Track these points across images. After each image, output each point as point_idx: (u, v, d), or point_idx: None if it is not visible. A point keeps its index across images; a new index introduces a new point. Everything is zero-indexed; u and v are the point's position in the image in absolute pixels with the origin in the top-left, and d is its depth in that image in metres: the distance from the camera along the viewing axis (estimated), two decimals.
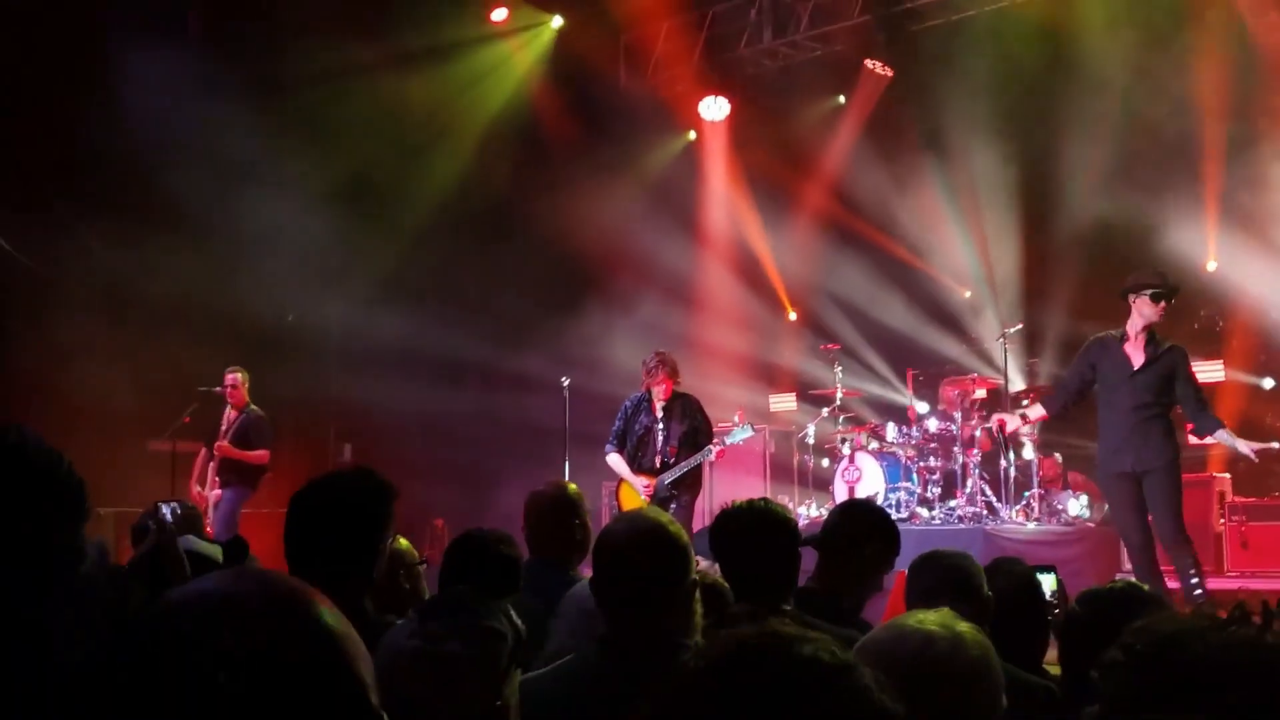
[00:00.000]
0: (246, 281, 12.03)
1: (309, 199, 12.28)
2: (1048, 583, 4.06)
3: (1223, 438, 7.72)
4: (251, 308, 12.02)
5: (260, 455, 10.61)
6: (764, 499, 3.78)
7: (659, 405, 8.94)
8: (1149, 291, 7.59)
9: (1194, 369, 7.87)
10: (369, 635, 2.67)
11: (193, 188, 11.53)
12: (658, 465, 8.91)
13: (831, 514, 4.48)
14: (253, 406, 10.75)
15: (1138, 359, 7.64)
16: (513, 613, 2.72)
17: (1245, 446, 7.68)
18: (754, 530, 3.59)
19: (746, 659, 1.20)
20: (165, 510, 5.14)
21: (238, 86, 11.73)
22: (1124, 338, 7.71)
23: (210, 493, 10.50)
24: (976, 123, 13.17)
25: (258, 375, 10.98)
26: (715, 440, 8.97)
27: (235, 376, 10.73)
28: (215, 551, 3.48)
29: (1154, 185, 12.46)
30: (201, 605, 1.20)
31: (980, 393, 11.80)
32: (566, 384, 10.35)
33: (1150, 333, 7.67)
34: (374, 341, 12.97)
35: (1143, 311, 7.62)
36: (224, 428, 10.66)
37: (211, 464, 10.63)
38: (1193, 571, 7.38)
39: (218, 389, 10.71)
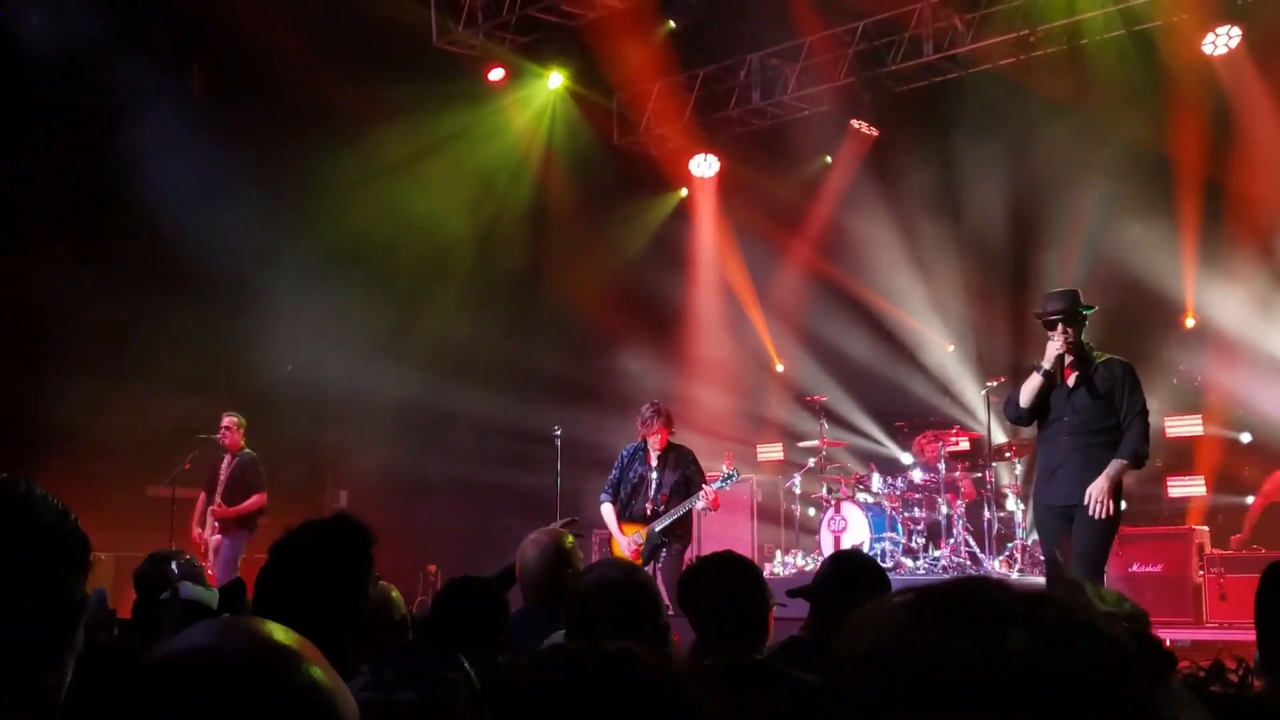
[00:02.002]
0: (246, 331, 12.25)
1: (309, 255, 12.54)
2: None
3: (1111, 468, 6.83)
4: (251, 357, 12.24)
5: (255, 502, 10.79)
6: (729, 551, 3.76)
7: (654, 455, 9.12)
8: (1041, 320, 7.14)
9: (1143, 389, 7.12)
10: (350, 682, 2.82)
11: (195, 241, 11.76)
12: (649, 513, 9.06)
13: (823, 563, 4.51)
14: (246, 450, 10.93)
15: (1071, 381, 7.06)
16: (465, 664, 2.84)
17: (1104, 488, 6.75)
18: (720, 583, 3.55)
19: (574, 670, 1.15)
20: (173, 566, 5.30)
21: (240, 145, 12.00)
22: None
23: (210, 538, 10.69)
24: (959, 181, 13.47)
25: (256, 423, 11.17)
26: (704, 490, 9.12)
27: (231, 420, 10.92)
28: (211, 597, 3.55)
29: (1133, 243, 12.74)
30: (188, 662, 1.18)
31: (963, 444, 12.01)
32: (559, 434, 10.53)
33: (1080, 351, 7.04)
34: (370, 389, 13.16)
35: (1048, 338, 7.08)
36: (221, 476, 10.85)
37: (211, 509, 10.81)
38: None
39: (216, 436, 10.90)
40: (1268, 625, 2.61)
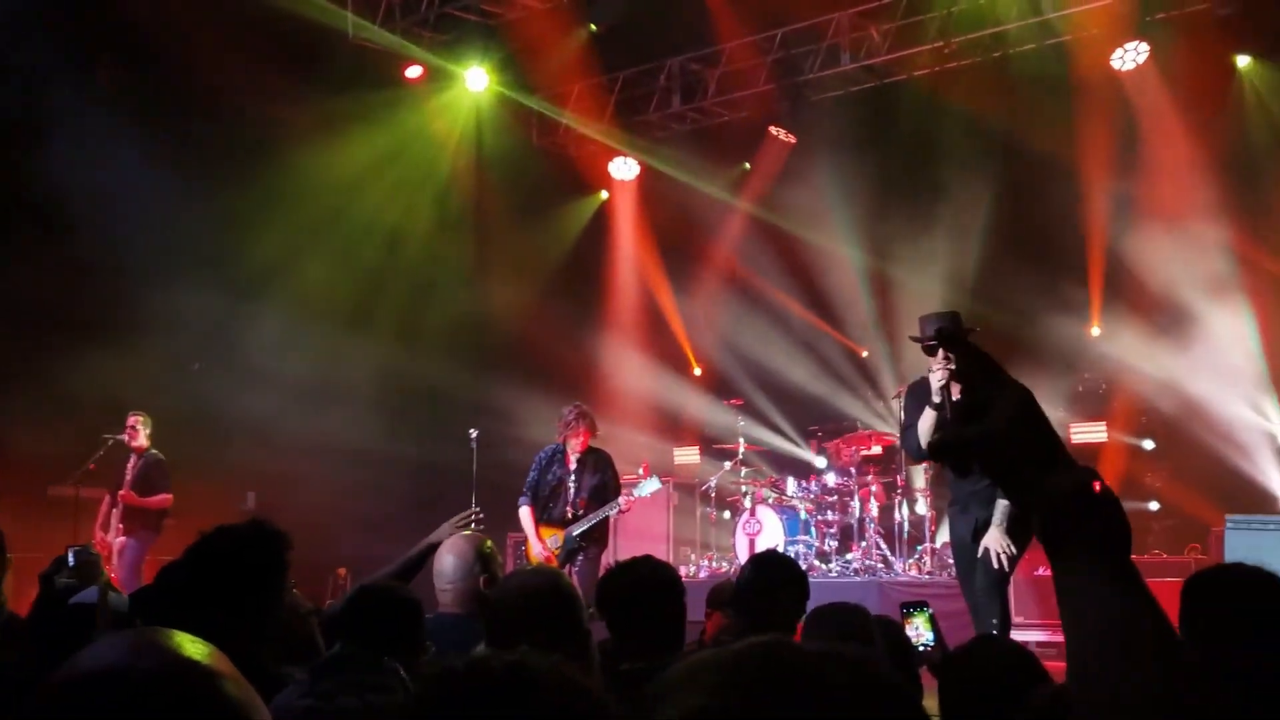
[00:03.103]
0: (153, 329, 12.02)
1: (217, 251, 12.36)
2: (919, 622, 4.06)
3: (998, 515, 6.54)
4: (158, 356, 12.01)
5: (162, 500, 10.64)
6: (647, 556, 3.77)
7: (573, 458, 9.10)
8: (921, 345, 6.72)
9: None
10: (267, 689, 2.79)
11: (98, 234, 11.53)
12: (568, 517, 9.04)
13: (744, 567, 4.54)
14: (152, 450, 10.76)
15: (947, 409, 6.50)
16: (402, 671, 2.83)
17: (998, 539, 6.51)
18: (639, 589, 3.57)
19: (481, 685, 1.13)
20: (69, 556, 5.18)
21: (147, 137, 11.77)
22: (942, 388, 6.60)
23: (115, 540, 10.48)
24: (874, 189, 13.64)
25: (163, 421, 10.97)
26: (624, 493, 9.14)
27: (136, 419, 10.74)
28: (123, 602, 3.46)
29: (1041, 252, 12.99)
30: (101, 683, 1.14)
31: (876, 449, 12.16)
32: (475, 436, 10.49)
33: (966, 377, 6.35)
34: (279, 390, 12.96)
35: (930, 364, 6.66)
36: (126, 476, 10.66)
37: (115, 511, 10.60)
38: (995, 621, 6.54)
39: (121, 436, 10.70)
40: (1191, 636, 2.68)
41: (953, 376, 6.45)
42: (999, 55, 12.66)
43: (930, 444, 1.33)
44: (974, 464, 1.30)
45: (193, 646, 1.20)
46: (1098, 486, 1.24)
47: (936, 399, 6.52)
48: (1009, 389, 1.31)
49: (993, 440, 1.28)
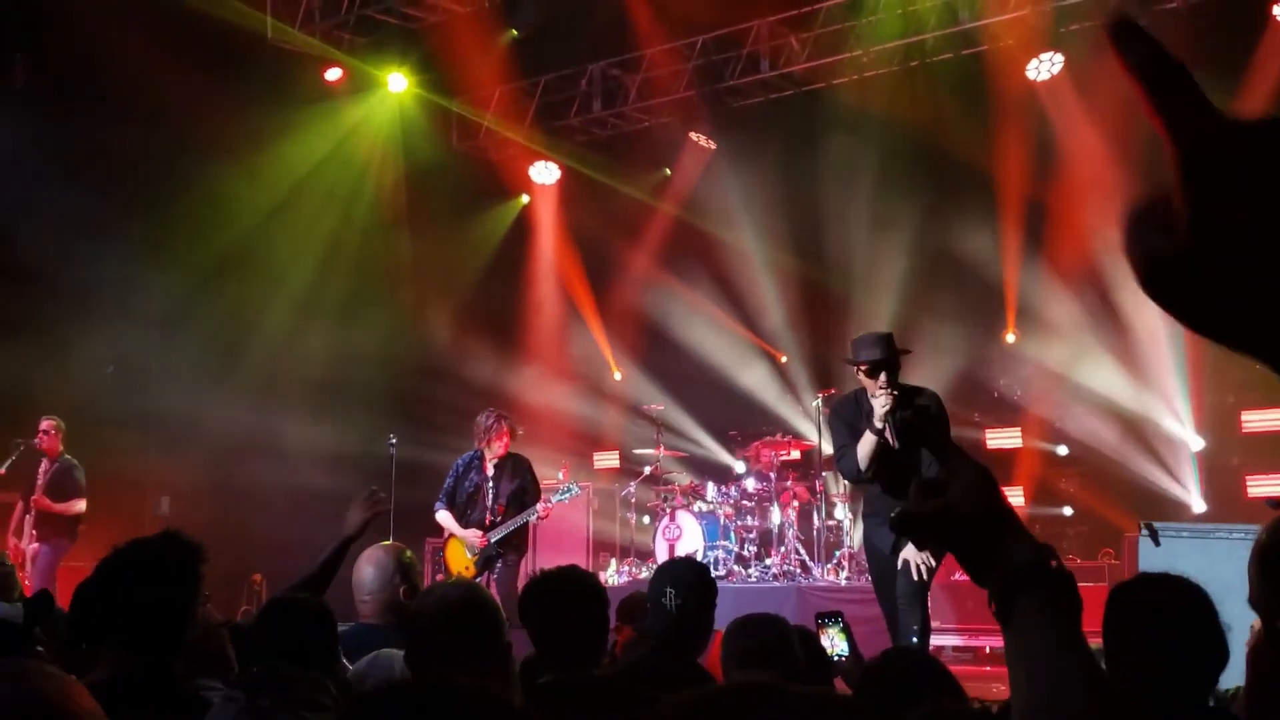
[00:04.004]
0: (66, 331, 11.81)
1: (135, 255, 12.16)
2: (833, 633, 4.10)
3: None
4: (71, 358, 11.79)
5: (77, 506, 10.43)
6: (573, 566, 3.74)
7: (490, 464, 9.05)
8: (859, 369, 6.55)
9: (949, 422, 6.75)
10: (183, 702, 2.74)
11: (15, 235, 11.30)
12: (486, 523, 8.99)
13: (663, 587, 4.34)
14: (66, 455, 10.58)
15: (890, 433, 6.47)
16: (331, 686, 2.80)
17: (917, 552, 6.39)
18: (562, 598, 3.54)
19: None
20: None
21: (65, 140, 11.56)
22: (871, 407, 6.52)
23: (28, 546, 10.28)
24: (794, 196, 13.74)
25: (76, 426, 10.76)
26: (542, 499, 9.10)
27: (49, 423, 10.55)
28: (16, 612, 3.49)
29: (957, 260, 13.16)
30: None
31: (794, 454, 12.25)
32: (394, 443, 10.40)
33: (899, 395, 6.46)
34: (195, 393, 12.78)
35: (866, 386, 6.54)
36: (39, 480, 10.46)
37: (29, 517, 10.40)
38: (915, 629, 6.46)
39: (34, 440, 10.49)
40: (1115, 647, 2.68)
41: (896, 402, 6.37)
42: (916, 64, 12.80)
43: (893, 519, 1.38)
44: (934, 538, 1.34)
45: (47, 679, 1.20)
46: (1054, 564, 1.26)
47: (879, 424, 6.44)
48: (966, 468, 1.33)
49: (953, 516, 1.31)
